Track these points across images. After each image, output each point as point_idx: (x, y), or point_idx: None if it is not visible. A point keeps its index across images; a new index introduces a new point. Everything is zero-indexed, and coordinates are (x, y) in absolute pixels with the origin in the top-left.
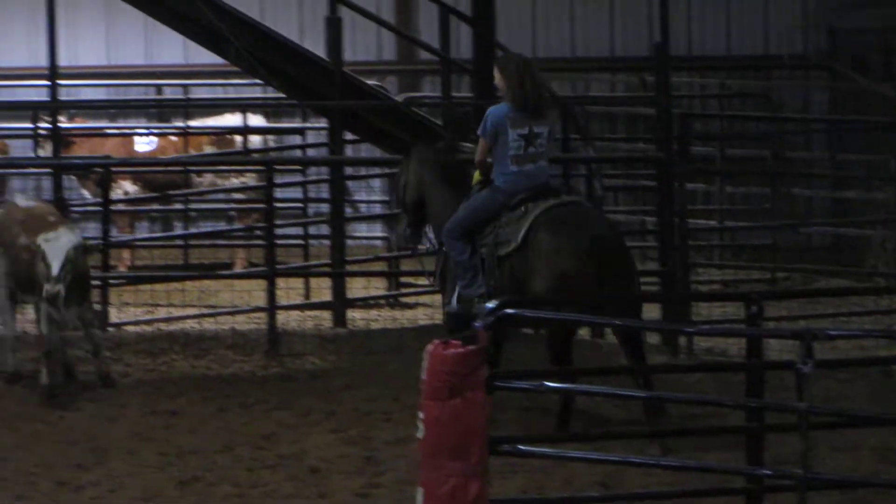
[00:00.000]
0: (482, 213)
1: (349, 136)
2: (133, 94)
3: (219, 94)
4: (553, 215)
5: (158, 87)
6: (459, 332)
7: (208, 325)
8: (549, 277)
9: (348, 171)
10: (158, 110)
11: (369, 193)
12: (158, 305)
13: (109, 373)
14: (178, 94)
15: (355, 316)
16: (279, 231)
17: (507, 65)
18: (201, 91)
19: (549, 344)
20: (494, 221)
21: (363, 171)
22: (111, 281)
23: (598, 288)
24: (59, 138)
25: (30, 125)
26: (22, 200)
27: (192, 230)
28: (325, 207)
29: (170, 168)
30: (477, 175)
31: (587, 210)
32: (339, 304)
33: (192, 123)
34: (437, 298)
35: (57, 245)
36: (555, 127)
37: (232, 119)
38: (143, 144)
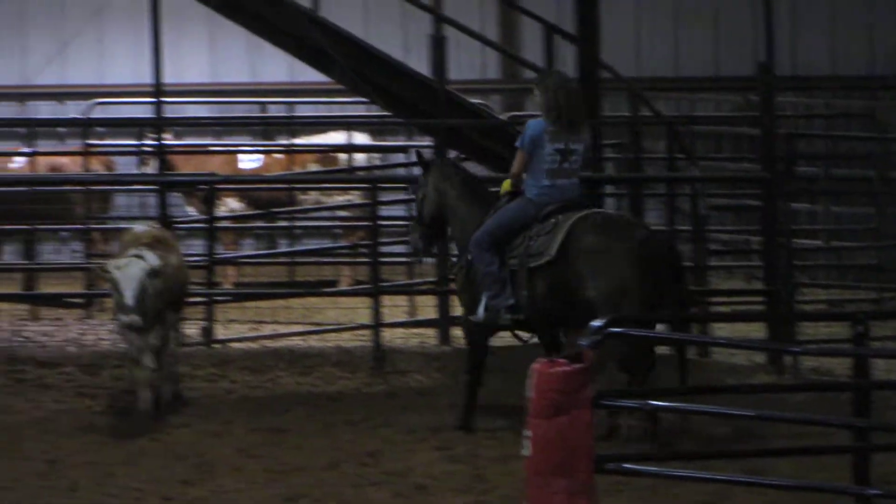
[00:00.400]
0: (512, 224)
1: (453, 154)
2: (237, 112)
3: (323, 111)
4: (593, 221)
5: (263, 105)
6: (480, 341)
7: (313, 342)
8: (604, 279)
9: None
10: (263, 128)
11: None
12: (264, 322)
13: (162, 397)
14: (282, 112)
15: (459, 333)
16: (384, 248)
17: (545, 81)
18: (306, 109)
19: (629, 360)
20: (525, 233)
21: None
22: (216, 298)
23: (651, 287)
24: (164, 155)
25: (135, 142)
26: (141, 226)
27: (297, 247)
28: None
29: (274, 185)
30: (506, 185)
31: (624, 216)
32: (444, 321)
33: (297, 141)
34: None
35: (128, 273)
36: (589, 145)
37: (337, 137)
38: (248, 162)
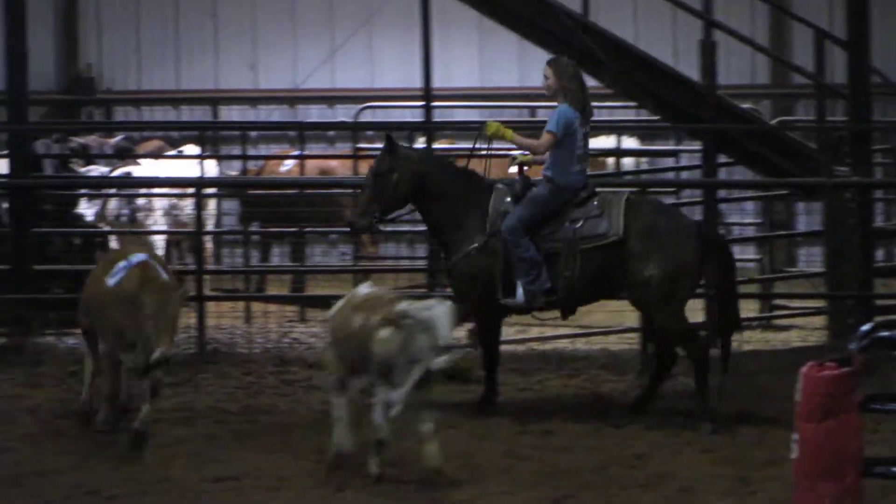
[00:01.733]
0: (546, 210)
1: (722, 158)
2: (506, 116)
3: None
4: (644, 203)
5: (532, 109)
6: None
7: (580, 345)
8: (666, 259)
9: (721, 193)
10: (531, 131)
11: (742, 216)
12: (531, 325)
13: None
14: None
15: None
16: None
17: (565, 67)
18: None
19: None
20: (563, 217)
21: (736, 193)
22: None
23: (703, 270)
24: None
25: (403, 145)
26: (364, 288)
27: None
28: None
29: None
30: (491, 126)
31: (665, 203)
32: (712, 325)
33: None
34: (811, 321)
35: (438, 312)
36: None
37: (605, 141)
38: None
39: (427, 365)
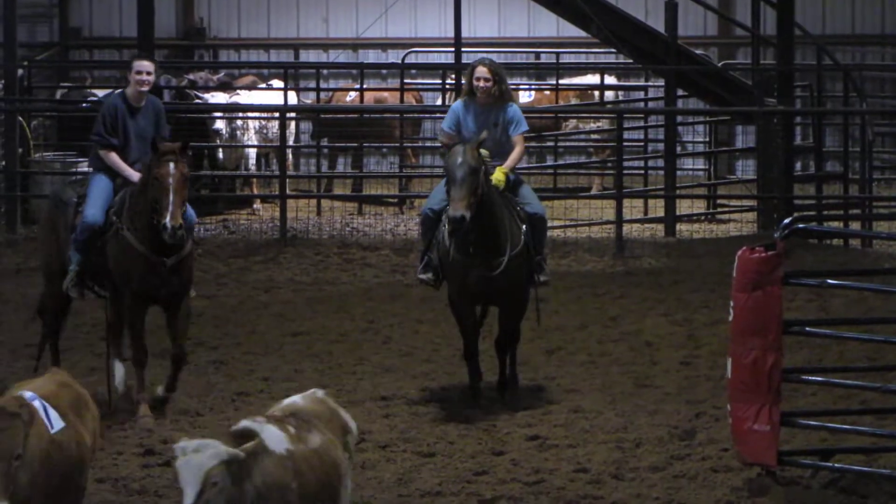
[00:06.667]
0: None
1: (680, 92)
2: (517, 59)
3: (583, 59)
4: None
5: (537, 54)
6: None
7: (570, 234)
8: None
9: (679, 118)
10: (536, 71)
11: (694, 136)
12: None
13: None
14: (551, 60)
15: (682, 228)
16: (626, 163)
17: (501, 70)
18: (570, 57)
19: None
20: None
21: (690, 118)
22: None
23: None
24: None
25: (439, 81)
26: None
27: (560, 162)
28: (661, 146)
29: (543, 115)
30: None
31: None
32: (671, 219)
33: (562, 81)
34: (746, 216)
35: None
36: None
37: (592, 78)
38: (524, 97)
39: None
